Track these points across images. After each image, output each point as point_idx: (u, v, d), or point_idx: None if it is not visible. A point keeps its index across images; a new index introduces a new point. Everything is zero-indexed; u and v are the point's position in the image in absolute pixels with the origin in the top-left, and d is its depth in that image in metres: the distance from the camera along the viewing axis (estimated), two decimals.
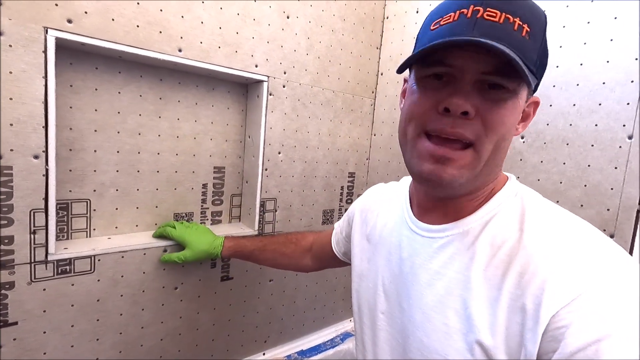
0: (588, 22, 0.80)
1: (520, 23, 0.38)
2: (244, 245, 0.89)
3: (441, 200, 0.50)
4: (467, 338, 0.42)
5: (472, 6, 0.39)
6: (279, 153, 1.07)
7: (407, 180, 0.63)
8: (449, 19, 0.41)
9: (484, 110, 0.40)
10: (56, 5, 0.68)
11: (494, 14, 0.38)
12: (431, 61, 0.42)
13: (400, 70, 0.44)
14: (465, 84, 0.41)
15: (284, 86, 1.04)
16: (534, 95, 0.47)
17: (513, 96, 0.41)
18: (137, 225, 0.93)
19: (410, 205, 0.56)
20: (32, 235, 0.71)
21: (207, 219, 1.05)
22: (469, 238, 0.46)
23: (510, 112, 0.41)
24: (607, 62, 0.77)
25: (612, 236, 0.76)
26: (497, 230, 0.45)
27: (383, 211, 0.63)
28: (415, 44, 0.49)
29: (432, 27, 0.43)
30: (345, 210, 1.29)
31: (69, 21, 0.70)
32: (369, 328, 0.59)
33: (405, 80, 0.52)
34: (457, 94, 0.40)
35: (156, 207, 0.95)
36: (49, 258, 0.73)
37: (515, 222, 0.44)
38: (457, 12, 0.40)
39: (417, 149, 0.44)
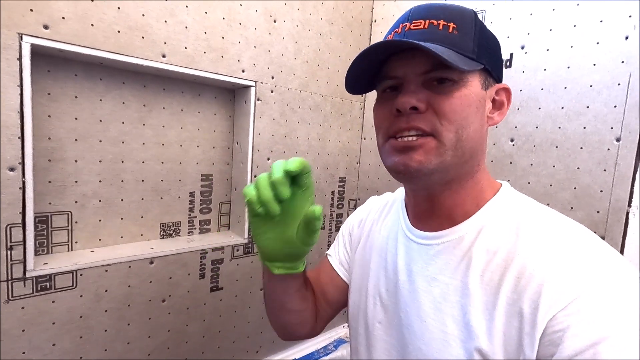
0: (574, 26, 0.80)
1: (445, 23, 0.43)
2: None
3: (430, 201, 0.49)
4: (466, 345, 0.42)
5: (401, 25, 0.46)
6: (268, 159, 1.05)
7: (403, 190, 0.62)
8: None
9: (434, 102, 0.43)
10: (31, 10, 0.65)
11: (419, 23, 0.44)
12: (382, 76, 0.47)
13: (349, 87, 0.50)
14: (410, 85, 0.44)
15: (272, 91, 1.02)
16: (502, 83, 0.49)
17: (461, 85, 0.43)
18: (122, 237, 0.89)
19: (407, 214, 0.56)
20: (9, 252, 0.67)
21: (195, 228, 1.02)
22: (465, 244, 0.46)
23: (461, 101, 0.43)
24: (594, 65, 0.78)
25: (602, 238, 0.76)
26: (492, 236, 0.45)
27: (380, 220, 0.62)
28: None
29: None
30: (337, 215, 1.28)
31: (46, 27, 0.67)
32: (364, 338, 0.58)
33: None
34: (403, 94, 0.44)
35: (142, 217, 0.92)
36: (28, 275, 0.70)
37: (511, 227, 0.44)
38: (392, 33, 0.47)
39: (386, 149, 0.47)
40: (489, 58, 0.45)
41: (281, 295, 0.59)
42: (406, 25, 0.45)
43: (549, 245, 0.40)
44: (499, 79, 0.48)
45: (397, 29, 0.46)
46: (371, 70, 0.48)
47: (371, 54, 0.44)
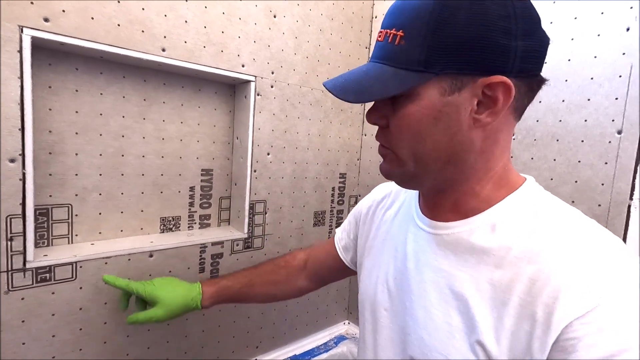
0: (575, 18, 0.79)
1: (395, 32, 0.42)
2: (227, 286, 0.78)
3: (435, 196, 0.50)
4: (469, 338, 0.41)
5: (379, 32, 0.46)
6: (268, 154, 1.05)
7: None
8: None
9: (391, 119, 0.45)
10: (32, 3, 0.66)
11: (380, 34, 0.44)
12: None
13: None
14: (379, 99, 0.45)
15: (272, 86, 1.02)
16: (498, 76, 0.39)
17: (410, 101, 0.42)
18: (121, 231, 0.90)
19: (418, 202, 0.56)
20: (9, 242, 0.68)
21: (195, 223, 1.03)
22: (476, 237, 0.44)
23: (408, 119, 0.43)
24: (595, 57, 0.77)
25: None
26: (507, 232, 0.43)
27: (391, 206, 0.62)
28: None
29: None
30: (338, 211, 1.27)
31: (46, 20, 0.67)
32: (370, 324, 0.58)
33: None
34: (369, 109, 0.47)
35: (142, 211, 0.92)
36: (28, 266, 0.70)
37: (529, 224, 0.42)
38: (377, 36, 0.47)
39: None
40: (454, 57, 0.39)
41: (242, 300, 0.83)
42: (380, 33, 0.45)
43: (569, 248, 0.38)
44: (493, 71, 0.39)
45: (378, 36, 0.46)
46: None
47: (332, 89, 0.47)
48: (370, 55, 1.26)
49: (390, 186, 0.67)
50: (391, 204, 0.63)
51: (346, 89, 0.44)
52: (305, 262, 0.83)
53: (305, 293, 0.83)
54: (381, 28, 0.44)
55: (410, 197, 0.59)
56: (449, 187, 0.47)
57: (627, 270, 0.36)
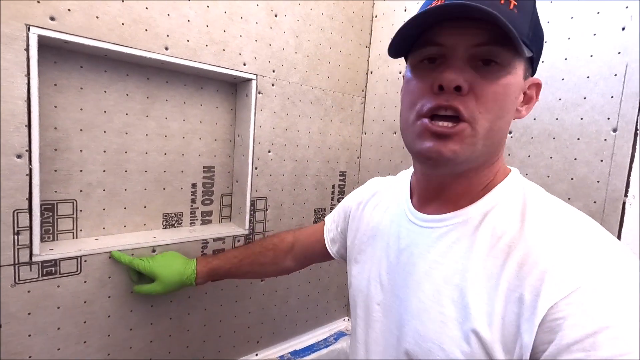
0: (572, 17, 0.81)
1: None
2: (219, 266, 0.85)
3: (442, 186, 0.50)
4: (463, 327, 0.42)
5: None
6: (269, 152, 1.06)
7: (406, 173, 0.63)
8: None
9: (477, 86, 0.41)
10: (38, 2, 0.67)
11: None
12: (423, 42, 0.43)
13: (392, 51, 0.46)
14: (457, 60, 0.41)
15: (273, 85, 1.04)
16: (534, 77, 0.46)
17: (507, 73, 0.41)
18: (125, 226, 0.91)
19: (410, 198, 0.56)
20: (16, 236, 0.69)
21: (197, 219, 1.04)
22: (469, 228, 0.46)
23: (504, 89, 0.41)
24: (591, 56, 0.78)
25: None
26: (497, 221, 0.44)
27: (382, 203, 0.63)
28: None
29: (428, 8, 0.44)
30: None
31: (52, 19, 0.69)
32: (362, 320, 0.59)
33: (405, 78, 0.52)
34: (449, 69, 0.41)
35: (145, 207, 0.94)
36: (34, 259, 0.72)
37: (517, 213, 0.44)
38: None
39: (417, 129, 0.44)
40: (537, 47, 0.43)
41: (230, 277, 0.89)
42: None
43: (554, 233, 0.40)
44: (534, 71, 0.46)
45: None
46: (414, 35, 0.44)
47: (428, 15, 0.40)
48: (370, 52, 1.28)
49: (380, 184, 0.68)
50: (380, 200, 0.64)
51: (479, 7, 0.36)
52: (292, 245, 0.86)
53: (290, 272, 0.90)
54: None
55: (400, 192, 0.59)
56: (471, 174, 0.47)
57: (609, 252, 0.38)
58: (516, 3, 0.39)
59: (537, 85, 0.47)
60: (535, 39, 0.42)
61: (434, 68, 0.43)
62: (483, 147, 0.43)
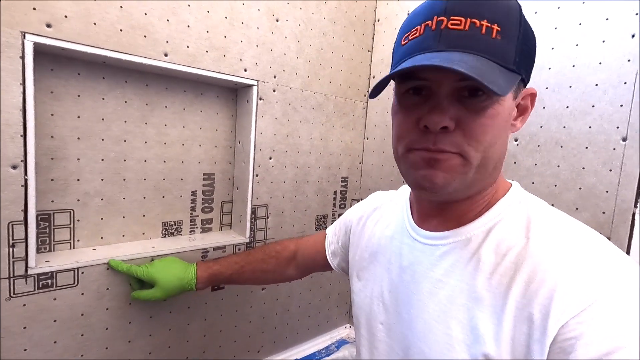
0: (580, 24, 0.79)
1: (489, 25, 0.37)
2: (219, 271, 0.83)
3: (442, 206, 0.48)
4: (472, 350, 0.41)
5: (435, 17, 0.38)
6: (270, 158, 1.05)
7: (407, 188, 0.61)
8: (415, 34, 0.40)
9: (464, 120, 0.39)
10: (34, 9, 0.65)
11: (459, 22, 0.37)
12: (407, 74, 0.42)
13: (372, 94, 0.44)
14: (442, 97, 0.40)
15: (274, 90, 1.02)
16: (528, 87, 0.45)
17: (495, 101, 0.39)
18: (123, 235, 0.90)
19: (411, 213, 0.55)
20: (11, 249, 0.68)
21: (197, 227, 1.02)
22: (472, 245, 0.45)
23: (492, 120, 0.40)
24: (600, 63, 0.76)
25: (608, 239, 0.75)
26: (501, 238, 0.43)
27: (383, 219, 0.61)
28: (392, 58, 0.48)
29: (402, 42, 0.43)
30: (339, 215, 1.27)
31: (48, 25, 0.67)
32: (366, 339, 0.57)
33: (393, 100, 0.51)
34: (434, 109, 0.40)
35: (143, 215, 0.92)
36: (29, 272, 0.70)
37: (521, 229, 0.43)
38: (423, 25, 0.40)
39: (410, 159, 0.44)
40: (527, 65, 0.41)
41: (232, 283, 0.88)
42: (442, 20, 0.38)
43: (561, 250, 0.39)
44: (527, 81, 0.44)
45: (429, 21, 0.39)
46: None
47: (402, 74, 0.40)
48: (372, 57, 1.27)
49: (381, 199, 0.67)
50: (382, 215, 0.62)
51: (452, 61, 0.35)
52: (294, 254, 0.85)
53: (291, 280, 0.90)
54: (453, 14, 0.38)
55: (400, 209, 0.58)
56: (472, 195, 0.46)
57: (619, 268, 0.37)
58: (499, 29, 0.37)
59: (532, 95, 0.45)
60: (525, 58, 0.40)
61: (420, 102, 0.42)
62: (476, 174, 0.42)
